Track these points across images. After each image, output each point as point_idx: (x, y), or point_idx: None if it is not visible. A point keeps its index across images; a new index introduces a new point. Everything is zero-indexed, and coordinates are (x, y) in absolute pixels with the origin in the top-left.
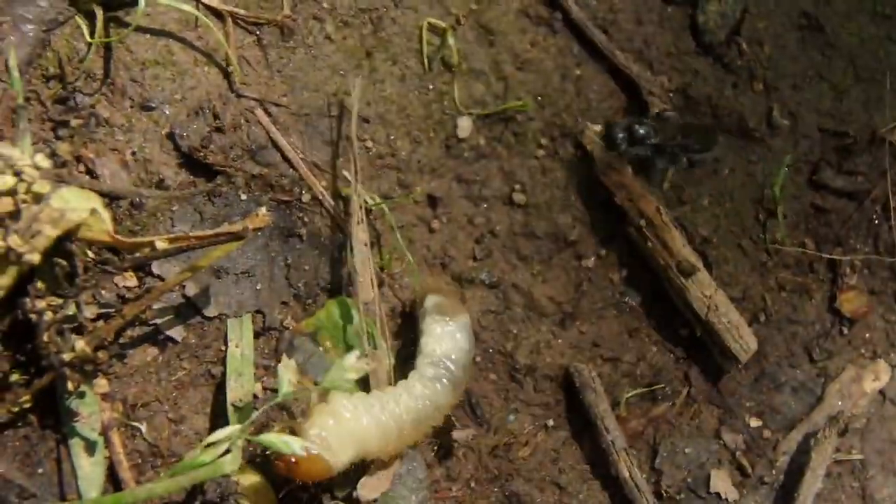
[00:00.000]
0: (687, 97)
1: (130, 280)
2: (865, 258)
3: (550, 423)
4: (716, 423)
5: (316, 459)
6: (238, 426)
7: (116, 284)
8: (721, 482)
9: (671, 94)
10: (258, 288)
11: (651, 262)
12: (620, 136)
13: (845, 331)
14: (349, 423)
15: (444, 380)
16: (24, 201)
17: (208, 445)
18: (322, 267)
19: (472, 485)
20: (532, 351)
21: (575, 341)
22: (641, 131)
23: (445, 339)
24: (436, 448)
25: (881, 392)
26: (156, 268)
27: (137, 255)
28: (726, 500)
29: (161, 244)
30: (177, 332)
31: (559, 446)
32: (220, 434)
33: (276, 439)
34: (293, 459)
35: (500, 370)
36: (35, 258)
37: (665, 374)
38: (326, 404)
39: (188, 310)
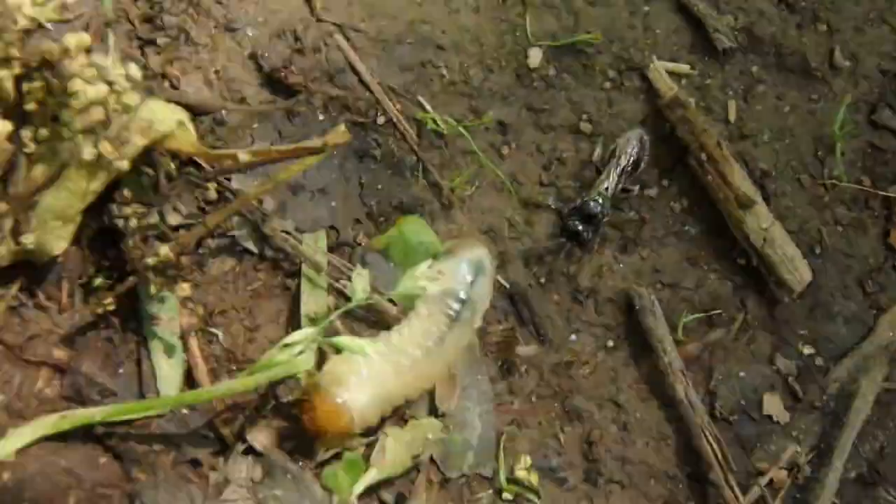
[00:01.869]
0: (752, 36)
1: (211, 192)
2: None
3: (610, 343)
4: (770, 350)
5: (336, 408)
6: (313, 329)
7: (197, 197)
8: (773, 405)
9: (736, 33)
10: (333, 205)
11: (711, 193)
12: (575, 223)
13: None
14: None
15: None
16: (115, 111)
17: (284, 346)
18: (394, 187)
19: (534, 399)
20: (594, 274)
21: (636, 266)
22: (592, 209)
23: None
24: (500, 364)
25: None
26: (236, 182)
27: (219, 167)
28: (778, 422)
29: (244, 156)
30: (254, 245)
31: (618, 366)
32: (295, 336)
33: (348, 341)
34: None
35: (563, 291)
36: (124, 165)
37: (722, 301)
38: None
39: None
